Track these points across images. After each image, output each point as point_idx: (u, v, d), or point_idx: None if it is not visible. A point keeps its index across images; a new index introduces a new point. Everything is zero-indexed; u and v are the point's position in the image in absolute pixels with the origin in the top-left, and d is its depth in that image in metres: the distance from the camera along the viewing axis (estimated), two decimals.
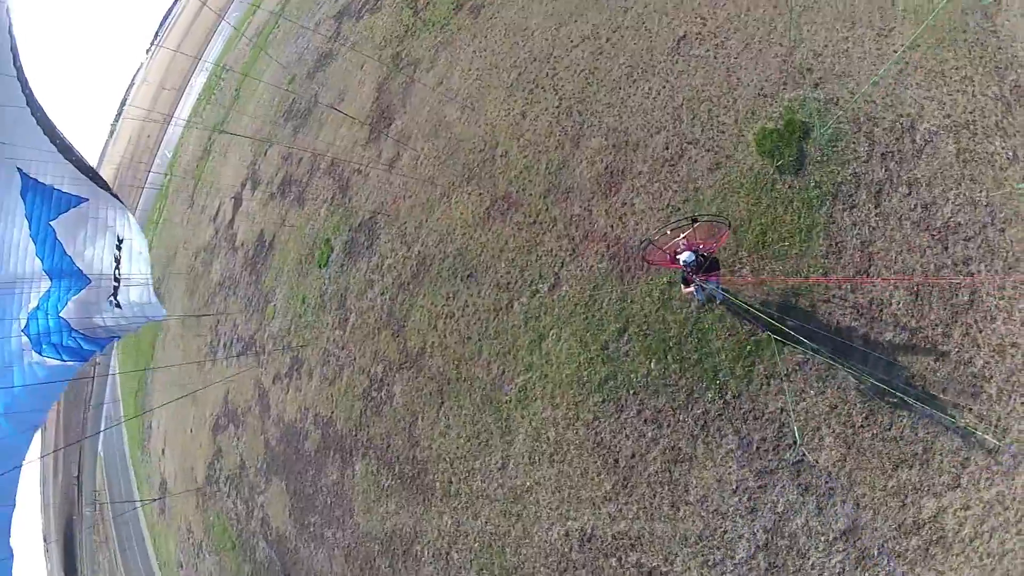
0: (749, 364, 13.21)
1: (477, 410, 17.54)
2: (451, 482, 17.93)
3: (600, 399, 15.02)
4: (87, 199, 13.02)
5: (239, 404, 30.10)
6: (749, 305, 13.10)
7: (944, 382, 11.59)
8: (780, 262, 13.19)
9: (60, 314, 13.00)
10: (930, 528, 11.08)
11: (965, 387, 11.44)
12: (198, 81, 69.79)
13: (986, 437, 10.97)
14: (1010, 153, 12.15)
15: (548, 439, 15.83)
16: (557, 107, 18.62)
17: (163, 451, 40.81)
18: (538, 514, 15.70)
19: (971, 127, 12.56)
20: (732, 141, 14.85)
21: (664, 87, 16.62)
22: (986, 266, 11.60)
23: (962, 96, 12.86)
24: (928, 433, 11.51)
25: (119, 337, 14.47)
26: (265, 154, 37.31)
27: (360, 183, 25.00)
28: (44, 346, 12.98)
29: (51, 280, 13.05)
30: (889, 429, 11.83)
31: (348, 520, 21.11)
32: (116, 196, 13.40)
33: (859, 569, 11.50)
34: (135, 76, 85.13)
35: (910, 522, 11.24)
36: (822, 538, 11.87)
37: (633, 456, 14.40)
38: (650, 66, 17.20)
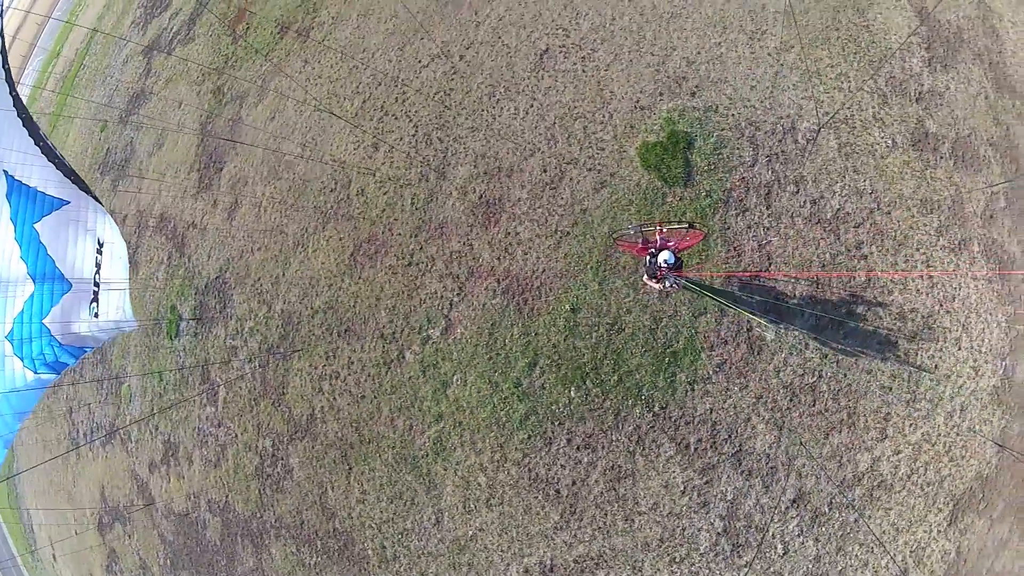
0: (670, 375, 10.57)
1: (392, 470, 13.21)
2: (384, 547, 13.64)
3: (525, 436, 11.60)
4: (69, 201, 11.24)
5: (118, 499, 22.28)
6: (708, 290, 10.78)
7: (856, 352, 10.21)
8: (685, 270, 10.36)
9: (43, 321, 11.17)
10: (869, 477, 10.23)
11: (875, 353, 10.13)
12: None
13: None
14: (889, 141, 10.74)
15: (479, 485, 12.20)
16: (413, 135, 13.97)
17: (54, 556, 30.32)
18: (490, 559, 12.41)
19: (850, 121, 10.89)
20: (614, 158, 11.75)
21: (532, 106, 12.86)
22: (877, 247, 10.10)
23: (839, 93, 11.09)
24: (849, 400, 10.25)
25: (90, 349, 12.44)
26: None
27: (198, 238, 18.22)
28: (25, 354, 11.11)
29: (35, 284, 11.17)
30: (813, 405, 10.36)
31: None
32: (97, 199, 11.61)
33: (815, 526, 10.40)
34: None
35: (850, 477, 10.30)
36: (775, 511, 10.52)
37: (574, 483, 11.44)
38: (513, 84, 13.25)
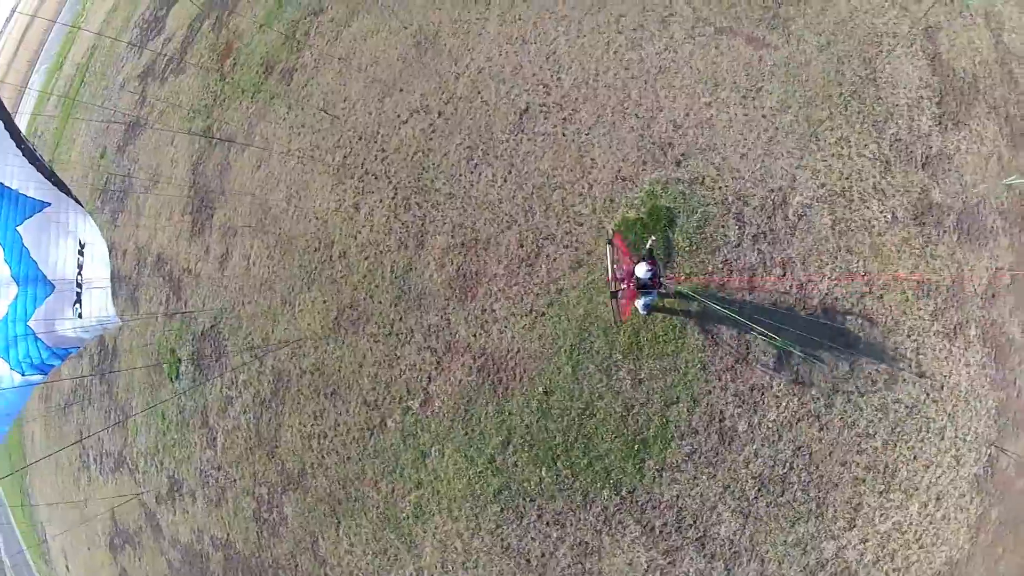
0: (639, 461, 11.31)
1: (376, 528, 14.39)
2: None
3: (498, 509, 12.57)
4: (50, 203, 11.52)
5: (129, 524, 24.28)
6: (704, 297, 10.89)
7: (831, 445, 10.61)
8: (658, 360, 11.03)
9: (28, 323, 11.50)
10: (834, 563, 10.54)
11: (851, 446, 10.50)
12: None
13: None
14: (888, 215, 10.59)
15: (456, 549, 13.26)
16: (393, 198, 14.60)
17: (67, 567, 33.02)
18: None
19: (847, 194, 10.75)
20: (592, 235, 12.16)
21: (510, 172, 13.24)
22: (864, 335, 10.22)
23: (837, 160, 10.89)
24: (819, 491, 10.69)
25: (77, 349, 12.74)
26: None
27: (192, 284, 19.51)
28: (11, 357, 11.43)
29: (19, 286, 11.48)
30: (782, 495, 10.86)
31: None
32: (77, 200, 11.84)
33: None
34: None
35: (814, 563, 10.64)
36: None
37: (543, 555, 12.36)
38: (491, 147, 13.60)
